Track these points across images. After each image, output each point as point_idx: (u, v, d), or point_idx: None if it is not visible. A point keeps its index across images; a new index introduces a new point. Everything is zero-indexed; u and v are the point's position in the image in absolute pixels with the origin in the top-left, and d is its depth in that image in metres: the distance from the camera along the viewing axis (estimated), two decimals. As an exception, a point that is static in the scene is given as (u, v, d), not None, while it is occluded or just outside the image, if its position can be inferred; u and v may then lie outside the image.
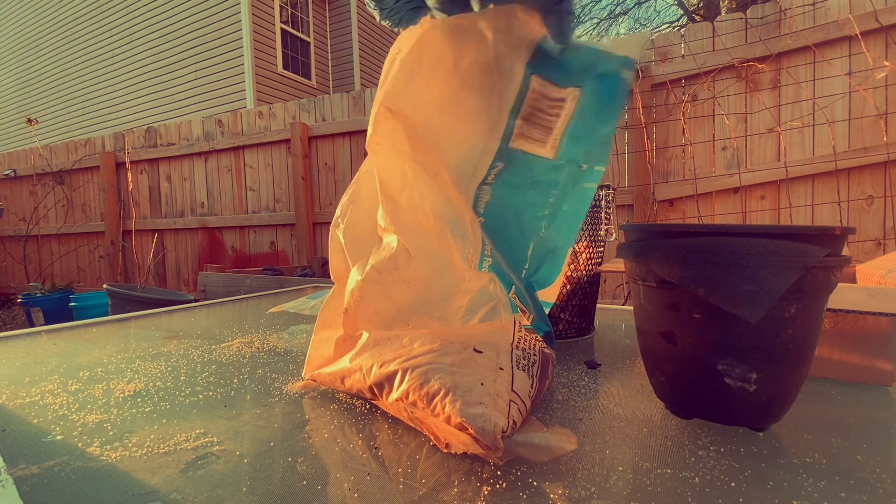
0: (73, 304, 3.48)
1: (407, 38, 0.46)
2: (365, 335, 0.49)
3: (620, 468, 0.35)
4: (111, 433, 0.41)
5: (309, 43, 7.60)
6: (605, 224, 0.76)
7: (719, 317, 0.37)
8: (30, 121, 4.93)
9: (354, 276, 0.50)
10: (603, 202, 0.74)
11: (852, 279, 0.82)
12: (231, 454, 0.37)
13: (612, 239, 0.76)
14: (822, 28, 2.21)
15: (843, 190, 2.24)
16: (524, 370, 0.43)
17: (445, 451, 0.37)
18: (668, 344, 0.41)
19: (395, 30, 0.50)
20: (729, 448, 0.37)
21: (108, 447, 0.38)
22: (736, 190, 2.42)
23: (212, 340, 0.76)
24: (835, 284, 0.38)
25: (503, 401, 0.37)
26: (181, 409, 0.47)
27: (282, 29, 7.04)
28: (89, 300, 3.52)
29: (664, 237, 0.40)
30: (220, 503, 0.30)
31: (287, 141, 3.67)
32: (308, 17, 7.59)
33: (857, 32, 2.10)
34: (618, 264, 0.78)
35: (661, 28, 10.15)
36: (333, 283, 0.57)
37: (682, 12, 9.57)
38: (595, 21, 10.82)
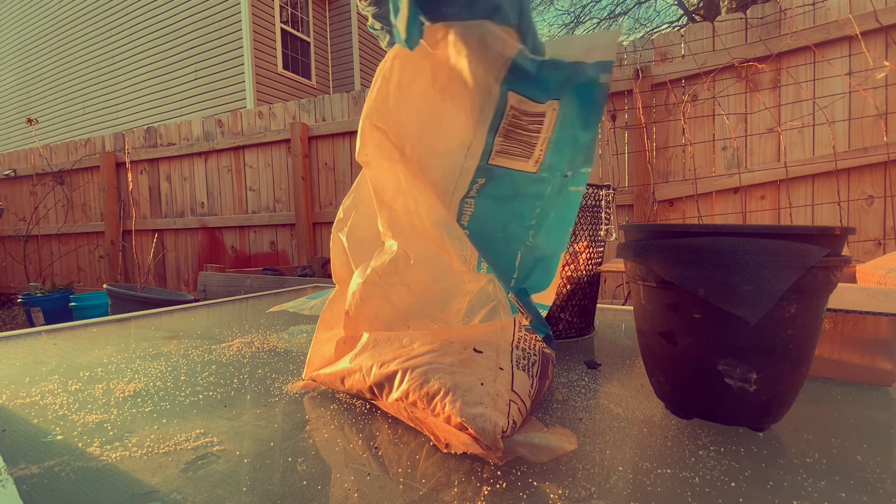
0: (73, 304, 3.48)
1: (391, 52, 0.45)
2: (365, 336, 0.49)
3: (620, 468, 0.35)
4: (111, 433, 0.41)
5: (309, 43, 7.60)
6: (605, 224, 0.76)
7: (719, 317, 0.37)
8: (30, 121, 4.93)
9: (356, 280, 0.50)
10: (603, 202, 0.74)
11: (852, 279, 0.82)
12: (231, 454, 0.37)
13: (612, 239, 0.76)
14: (822, 28, 2.21)
15: (843, 190, 2.24)
16: (524, 370, 0.43)
17: (445, 451, 0.37)
18: (668, 344, 0.41)
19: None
20: (729, 448, 0.37)
21: (108, 447, 0.38)
22: (736, 190, 2.42)
23: (212, 340, 0.76)
24: (835, 284, 0.38)
25: (503, 401, 0.37)
26: (181, 409, 0.47)
27: (282, 29, 7.03)
28: (89, 300, 3.52)
29: (664, 237, 0.40)
30: (220, 503, 0.30)
31: (287, 141, 3.67)
32: (308, 17, 7.59)
33: (857, 32, 2.10)
34: (618, 264, 0.78)
35: (661, 28, 10.16)
36: (334, 283, 0.57)
37: (682, 12, 9.57)
38: (595, 21, 10.82)
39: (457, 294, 0.50)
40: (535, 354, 0.46)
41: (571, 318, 0.74)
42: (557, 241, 0.54)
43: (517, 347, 0.46)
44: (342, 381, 0.47)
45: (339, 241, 0.54)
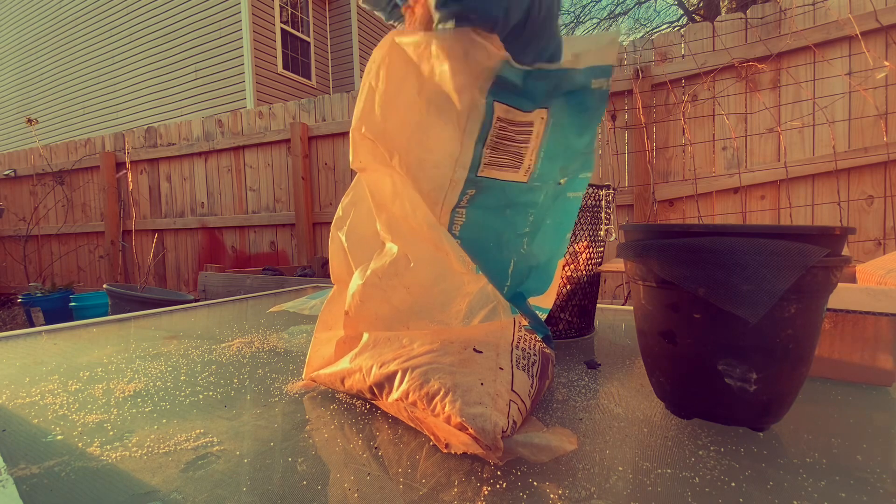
0: (73, 304, 3.48)
1: (376, 55, 0.44)
2: (365, 336, 0.49)
3: (620, 468, 0.35)
4: (111, 433, 0.41)
5: (309, 43, 7.60)
6: (605, 224, 0.76)
7: (719, 317, 0.37)
8: (30, 121, 4.93)
9: (356, 280, 0.50)
10: (603, 202, 0.74)
11: (852, 279, 0.82)
12: (231, 454, 0.37)
13: (612, 239, 0.76)
14: (822, 28, 2.21)
15: (843, 190, 2.24)
16: (524, 370, 0.43)
17: (445, 451, 0.37)
18: (668, 344, 0.41)
19: (389, 23, 0.50)
20: (729, 448, 0.37)
21: (108, 447, 0.38)
22: (736, 190, 2.42)
23: (212, 340, 0.76)
24: (835, 284, 0.38)
25: (503, 401, 0.37)
26: (181, 409, 0.47)
27: (282, 29, 7.03)
28: (89, 300, 3.52)
29: (664, 237, 0.40)
30: (220, 503, 0.30)
31: (287, 141, 3.67)
32: (308, 17, 7.58)
33: (857, 32, 2.10)
34: (618, 264, 0.78)
35: (661, 28, 10.16)
36: (332, 278, 0.57)
37: (682, 12, 9.57)
38: (595, 21, 10.82)
39: (456, 295, 0.50)
40: (535, 354, 0.46)
41: (571, 318, 0.74)
42: (554, 248, 0.53)
43: (517, 347, 0.46)
44: (342, 382, 0.47)
45: (338, 240, 0.54)
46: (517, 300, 0.53)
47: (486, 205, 0.49)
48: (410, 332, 0.48)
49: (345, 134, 3.46)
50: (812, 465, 0.35)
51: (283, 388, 0.53)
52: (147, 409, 0.46)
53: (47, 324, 1.36)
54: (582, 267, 0.73)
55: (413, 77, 0.43)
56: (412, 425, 0.41)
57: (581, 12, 11.04)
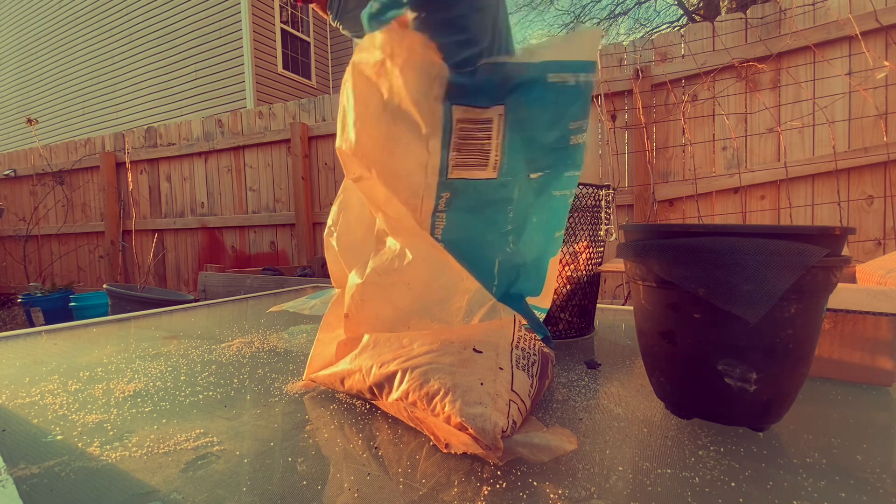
0: (73, 304, 3.48)
1: (346, 76, 0.46)
2: (366, 336, 0.49)
3: (620, 468, 0.35)
4: (111, 433, 0.41)
5: (309, 43, 7.60)
6: (605, 224, 0.76)
7: (719, 317, 0.37)
8: (30, 121, 4.92)
9: (353, 280, 0.50)
10: (603, 202, 0.74)
11: (852, 279, 0.82)
12: (231, 454, 0.37)
13: (612, 239, 0.76)
14: (822, 28, 2.21)
15: (843, 190, 2.24)
16: (524, 370, 0.43)
17: (445, 451, 0.37)
18: (668, 344, 0.41)
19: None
20: (729, 448, 0.37)
21: (108, 447, 0.38)
22: (736, 190, 2.42)
23: (212, 340, 0.76)
24: (835, 284, 0.38)
25: (503, 400, 0.37)
26: (181, 409, 0.47)
27: (282, 29, 7.03)
28: (89, 300, 3.52)
29: (664, 237, 0.40)
30: (220, 503, 0.30)
31: (287, 141, 3.67)
32: (308, 17, 7.58)
33: (857, 32, 2.10)
34: (618, 264, 0.78)
35: (661, 28, 10.15)
36: (333, 283, 0.58)
37: (682, 12, 9.57)
38: (595, 21, 10.82)
39: (456, 291, 0.50)
40: (534, 354, 0.46)
41: (571, 318, 0.74)
42: (542, 246, 0.53)
43: (517, 347, 0.46)
44: (342, 382, 0.47)
45: (331, 248, 0.55)
46: (512, 300, 0.53)
47: (464, 206, 0.49)
48: (411, 332, 0.48)
49: (345, 134, 3.46)
50: (812, 465, 0.35)
51: (283, 388, 0.53)
52: (147, 409, 0.46)
53: (47, 324, 1.36)
54: (582, 267, 0.73)
55: (376, 94, 0.45)
56: (412, 425, 0.41)
57: (581, 12, 11.01)
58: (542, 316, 0.56)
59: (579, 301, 0.74)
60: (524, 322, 0.53)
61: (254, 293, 1.35)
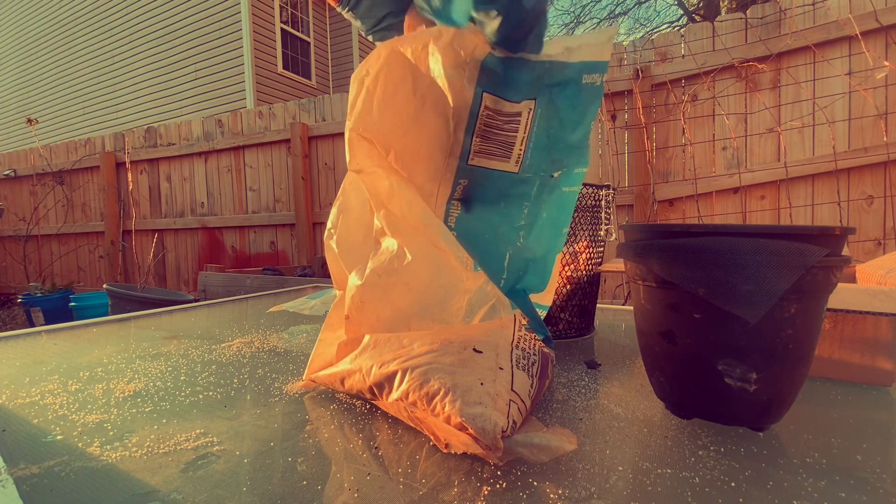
0: (73, 304, 3.48)
1: (373, 60, 0.46)
2: (366, 337, 0.49)
3: (620, 468, 0.35)
4: (111, 433, 0.41)
5: (309, 43, 7.60)
6: (605, 224, 0.76)
7: (719, 317, 0.37)
8: (30, 121, 4.92)
9: (353, 282, 0.50)
10: (603, 202, 0.74)
11: (852, 279, 0.82)
12: (231, 454, 0.37)
13: (612, 239, 0.76)
14: (822, 28, 2.21)
15: (843, 190, 2.24)
16: (524, 370, 0.43)
17: (445, 451, 0.37)
18: (668, 344, 0.41)
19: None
20: (729, 448, 0.37)
21: (109, 447, 0.38)
22: (736, 190, 2.42)
23: (212, 340, 0.76)
24: (835, 284, 0.38)
25: (503, 400, 0.37)
26: (181, 409, 0.47)
27: (282, 29, 7.03)
28: (89, 300, 3.52)
29: (664, 237, 0.40)
30: (220, 503, 0.30)
31: (287, 141, 3.67)
32: (308, 17, 7.58)
33: (857, 32, 2.10)
34: (618, 264, 0.78)
35: (661, 28, 10.15)
36: (334, 285, 0.58)
37: (682, 12, 9.57)
38: (595, 21, 10.82)
39: (456, 292, 0.50)
40: (534, 354, 0.46)
41: (571, 318, 0.74)
42: (550, 243, 0.53)
43: (517, 347, 0.46)
44: (342, 382, 0.47)
45: (331, 250, 0.55)
46: (517, 296, 0.53)
47: (480, 197, 0.50)
48: (411, 332, 0.48)
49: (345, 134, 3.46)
50: (812, 465, 0.35)
51: (283, 388, 0.53)
52: (147, 409, 0.46)
53: (47, 324, 1.36)
54: (582, 267, 0.73)
55: (409, 77, 0.46)
56: (412, 425, 0.41)
57: (581, 12, 11.01)
58: (543, 314, 0.57)
59: (579, 301, 0.74)
60: (524, 322, 0.53)
61: (254, 293, 1.35)
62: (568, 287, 0.72)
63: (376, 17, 0.52)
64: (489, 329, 0.49)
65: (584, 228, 0.72)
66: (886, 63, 2.10)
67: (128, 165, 4.36)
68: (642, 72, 2.51)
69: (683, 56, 2.48)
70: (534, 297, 0.56)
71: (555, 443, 0.35)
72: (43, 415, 0.45)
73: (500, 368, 0.41)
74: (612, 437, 0.40)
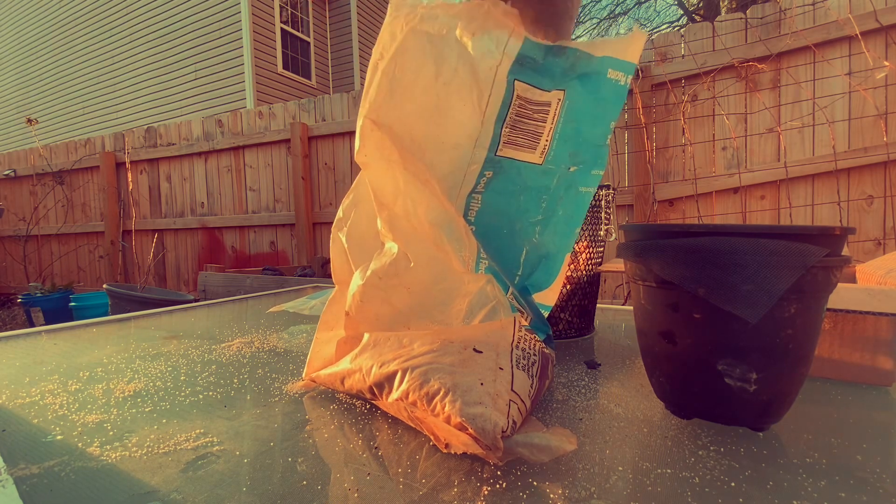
0: (73, 304, 3.48)
1: (388, 42, 0.44)
2: (366, 336, 0.49)
3: (620, 468, 0.35)
4: (111, 433, 0.41)
5: (309, 43, 7.60)
6: (605, 224, 0.76)
7: (719, 317, 0.37)
8: (30, 121, 4.93)
9: (356, 281, 0.50)
10: (603, 202, 0.74)
11: (852, 279, 0.82)
12: (231, 454, 0.37)
13: (612, 239, 0.76)
14: (822, 28, 2.21)
15: (843, 190, 2.24)
16: (524, 370, 0.42)
17: (445, 451, 0.37)
18: (668, 344, 0.41)
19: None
20: (729, 448, 0.37)
21: (108, 447, 0.38)
22: (736, 190, 2.42)
23: (212, 340, 0.76)
24: (835, 284, 0.38)
25: (503, 401, 0.37)
26: (181, 409, 0.47)
27: (282, 29, 7.03)
28: (89, 300, 3.52)
29: (664, 237, 0.40)
30: (220, 503, 0.30)
31: (287, 141, 3.67)
32: (308, 17, 7.58)
33: (857, 32, 2.10)
34: (618, 264, 0.78)
35: (661, 28, 10.15)
36: (334, 284, 0.57)
37: (682, 12, 9.57)
38: (595, 21, 10.82)
39: (457, 295, 0.50)
40: (534, 354, 0.46)
41: (571, 318, 0.74)
42: (563, 239, 0.54)
43: (517, 347, 0.46)
44: (342, 382, 0.47)
45: (338, 241, 0.54)
46: (524, 293, 0.53)
47: (503, 189, 0.49)
48: (411, 332, 0.48)
49: (345, 134, 3.47)
50: (812, 465, 0.35)
51: (283, 388, 0.53)
52: (147, 409, 0.46)
53: (47, 324, 1.36)
54: (582, 267, 0.73)
55: (431, 62, 0.44)
56: (412, 425, 0.41)
57: (581, 12, 11.02)
58: (545, 313, 0.57)
59: (579, 301, 0.74)
60: (525, 322, 0.53)
61: (254, 293, 1.35)
62: (568, 287, 0.72)
63: None
64: (489, 329, 0.49)
65: (585, 228, 0.72)
66: (886, 63, 2.10)
67: (128, 165, 4.36)
68: (642, 72, 2.51)
69: (683, 56, 2.48)
70: (537, 297, 0.56)
71: (555, 443, 0.35)
72: (43, 415, 0.45)
73: (501, 368, 0.41)
74: (612, 437, 0.40)
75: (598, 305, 0.83)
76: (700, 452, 0.37)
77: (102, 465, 0.35)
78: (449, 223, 0.49)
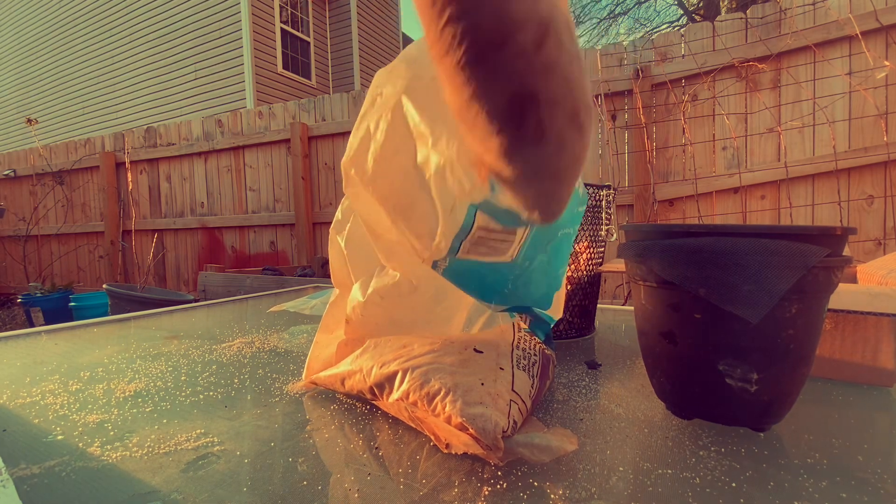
0: (72, 304, 3.48)
1: (390, 92, 0.40)
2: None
3: (621, 468, 0.35)
4: (112, 433, 0.41)
5: (309, 43, 7.60)
6: (606, 224, 0.76)
7: (720, 317, 0.37)
8: (30, 121, 4.92)
9: (356, 296, 0.49)
10: (603, 202, 0.74)
11: (853, 279, 0.82)
12: (231, 454, 0.37)
13: (612, 239, 0.76)
14: (822, 28, 2.21)
15: (844, 190, 2.23)
16: (524, 370, 0.42)
17: (446, 451, 0.37)
18: (668, 344, 0.41)
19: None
20: (730, 448, 0.37)
21: (109, 447, 0.38)
22: (736, 190, 2.42)
23: (212, 340, 0.76)
24: (836, 285, 0.38)
25: (503, 401, 0.37)
26: (182, 409, 0.47)
27: (282, 29, 7.03)
28: (89, 300, 3.52)
29: (665, 237, 0.40)
30: (220, 503, 0.30)
31: (287, 141, 3.67)
32: (308, 17, 7.58)
33: (857, 32, 2.10)
34: (618, 264, 0.78)
35: (661, 28, 10.15)
36: (333, 282, 0.57)
37: (682, 12, 9.57)
38: (595, 21, 10.82)
39: (458, 310, 0.50)
40: (535, 354, 0.46)
41: (571, 318, 0.74)
42: (543, 289, 0.49)
43: (517, 347, 0.46)
44: (342, 383, 0.47)
45: (337, 244, 0.53)
46: (517, 310, 0.51)
47: (469, 269, 0.45)
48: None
49: (345, 134, 3.46)
50: (813, 466, 0.35)
51: (283, 389, 0.53)
52: (147, 409, 0.46)
53: (47, 324, 1.36)
54: (582, 267, 0.73)
55: (412, 147, 0.40)
56: (412, 425, 0.41)
57: (581, 12, 11.01)
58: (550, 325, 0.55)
59: (580, 301, 0.74)
60: (524, 325, 0.53)
61: (254, 293, 1.35)
62: (568, 287, 0.72)
63: None
64: (490, 330, 0.49)
65: (585, 228, 0.72)
66: (886, 63, 2.10)
67: (127, 165, 4.36)
68: (642, 71, 2.51)
69: (683, 56, 2.48)
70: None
71: (555, 443, 0.35)
72: (43, 415, 0.45)
73: (501, 368, 0.41)
74: (613, 437, 0.40)
75: (598, 305, 0.83)
76: (701, 453, 0.37)
77: (103, 465, 0.35)
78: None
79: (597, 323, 0.83)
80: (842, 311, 0.49)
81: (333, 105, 3.57)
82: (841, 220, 2.22)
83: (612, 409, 0.46)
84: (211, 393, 0.51)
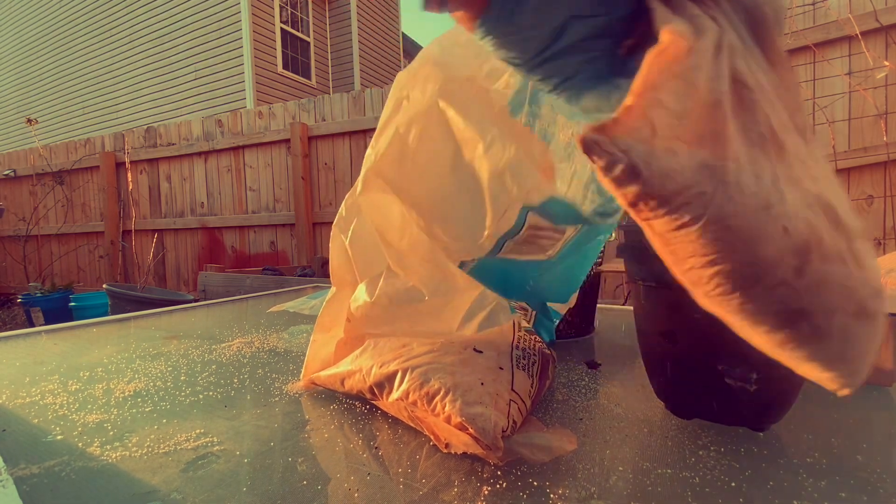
0: (72, 304, 3.48)
1: (419, 96, 0.39)
2: (366, 336, 0.49)
3: (621, 468, 0.35)
4: (111, 433, 0.41)
5: (309, 43, 7.60)
6: (606, 224, 0.76)
7: (720, 317, 0.37)
8: (30, 121, 4.92)
9: (363, 296, 0.48)
10: (603, 202, 0.74)
11: (852, 279, 0.81)
12: (231, 454, 0.37)
13: (612, 239, 0.76)
14: (822, 28, 2.21)
15: (843, 190, 2.23)
16: (524, 370, 0.42)
17: (445, 450, 0.37)
18: (668, 344, 0.41)
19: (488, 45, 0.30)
20: (729, 448, 0.37)
21: (109, 447, 0.38)
22: (736, 190, 2.42)
23: (212, 340, 0.76)
24: (835, 284, 0.38)
25: (503, 400, 0.37)
26: (181, 409, 0.47)
27: (282, 29, 7.03)
28: (89, 300, 3.52)
29: (664, 237, 0.40)
30: (220, 503, 0.30)
31: (287, 141, 3.67)
32: (308, 17, 7.58)
33: (857, 32, 2.10)
34: (618, 264, 0.78)
35: (661, 28, 10.13)
36: (332, 280, 0.56)
37: (682, 12, 9.55)
38: (595, 21, 10.78)
39: (461, 312, 0.50)
40: (535, 354, 0.46)
41: (571, 318, 0.74)
42: (567, 288, 0.51)
43: (517, 347, 0.46)
44: (342, 383, 0.47)
45: (339, 241, 0.52)
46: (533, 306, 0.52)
47: (499, 267, 0.47)
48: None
49: (345, 134, 3.46)
50: (812, 465, 0.35)
51: (283, 388, 0.53)
52: (147, 409, 0.46)
53: (47, 324, 1.36)
54: (582, 267, 0.73)
55: (450, 151, 0.39)
56: (412, 425, 0.41)
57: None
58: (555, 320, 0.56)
59: (579, 301, 0.74)
60: (526, 324, 0.53)
61: (254, 293, 1.35)
62: (568, 287, 0.72)
63: (550, 28, 0.29)
64: (490, 329, 0.49)
65: (585, 228, 0.72)
66: (886, 63, 2.10)
67: (128, 165, 4.36)
68: (642, 72, 2.50)
69: (683, 56, 2.48)
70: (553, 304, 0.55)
71: (555, 443, 0.35)
72: (43, 415, 0.45)
73: (501, 368, 0.41)
74: (613, 437, 0.40)
75: (598, 305, 0.83)
76: (700, 452, 0.37)
77: (103, 464, 0.35)
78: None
79: (596, 323, 0.83)
80: (841, 310, 0.49)
81: (333, 105, 3.57)
82: (841, 220, 2.22)
83: (612, 409, 0.46)
84: (210, 393, 0.51)
